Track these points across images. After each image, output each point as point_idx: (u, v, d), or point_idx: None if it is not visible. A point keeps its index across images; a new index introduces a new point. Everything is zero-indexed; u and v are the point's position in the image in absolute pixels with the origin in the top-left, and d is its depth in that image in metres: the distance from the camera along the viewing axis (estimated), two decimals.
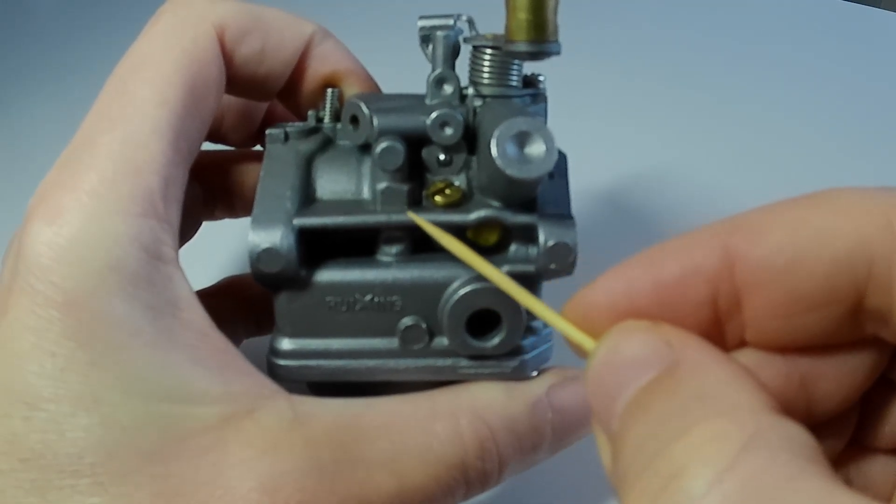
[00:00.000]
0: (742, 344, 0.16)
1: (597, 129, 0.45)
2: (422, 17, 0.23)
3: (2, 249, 0.20)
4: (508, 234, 0.22)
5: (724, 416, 0.13)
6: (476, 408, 0.21)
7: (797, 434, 0.12)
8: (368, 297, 0.22)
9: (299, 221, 0.21)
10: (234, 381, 0.19)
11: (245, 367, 0.20)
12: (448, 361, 0.22)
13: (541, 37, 0.20)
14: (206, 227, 0.29)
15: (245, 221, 0.29)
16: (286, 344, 0.22)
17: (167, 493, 0.17)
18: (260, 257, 0.21)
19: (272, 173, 0.22)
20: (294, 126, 0.23)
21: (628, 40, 0.57)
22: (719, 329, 0.16)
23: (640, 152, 0.44)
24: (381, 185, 0.22)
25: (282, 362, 0.22)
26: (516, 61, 0.23)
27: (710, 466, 0.12)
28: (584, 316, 0.17)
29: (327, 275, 0.22)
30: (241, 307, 0.28)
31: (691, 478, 0.12)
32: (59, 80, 0.51)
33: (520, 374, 0.22)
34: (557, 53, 0.21)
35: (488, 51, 0.23)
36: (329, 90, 0.24)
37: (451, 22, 0.23)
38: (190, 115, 0.21)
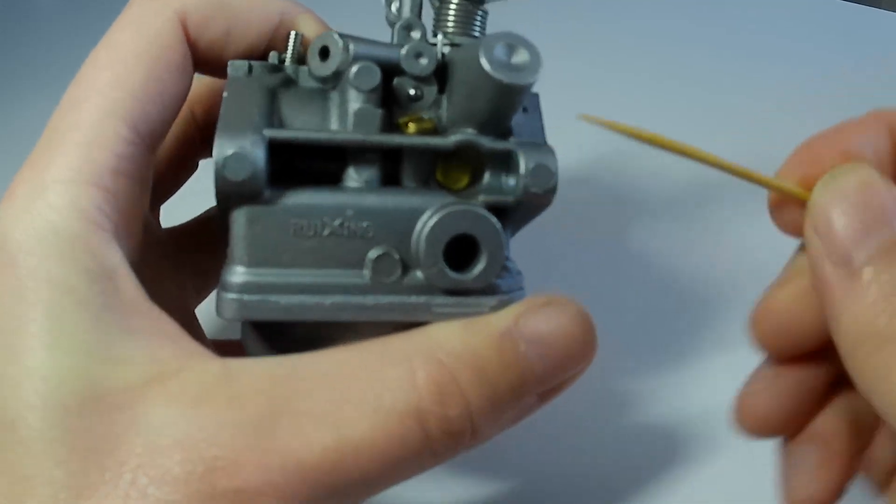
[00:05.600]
0: None
1: (592, 127, 0.45)
2: None
3: None
4: (478, 175, 0.22)
5: None
6: (431, 347, 0.19)
7: None
8: (338, 222, 0.21)
9: (270, 132, 0.20)
10: (164, 344, 0.19)
11: (176, 333, 0.20)
12: (422, 299, 0.21)
13: None
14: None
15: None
16: (241, 275, 0.20)
17: (85, 449, 0.17)
18: (227, 163, 0.19)
19: (237, 95, 0.21)
20: (258, 62, 0.23)
21: (627, 38, 0.57)
22: None
23: (637, 149, 0.44)
24: (356, 107, 0.21)
25: (233, 296, 0.20)
26: (480, 12, 0.23)
27: None
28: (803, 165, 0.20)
29: (294, 196, 0.20)
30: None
31: None
32: (61, 80, 0.51)
33: None
34: None
35: (454, 1, 0.23)
36: (293, 33, 0.23)
37: None
38: (150, 98, 0.21)
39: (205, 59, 0.24)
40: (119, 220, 0.20)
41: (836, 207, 0.18)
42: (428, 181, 0.22)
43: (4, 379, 0.18)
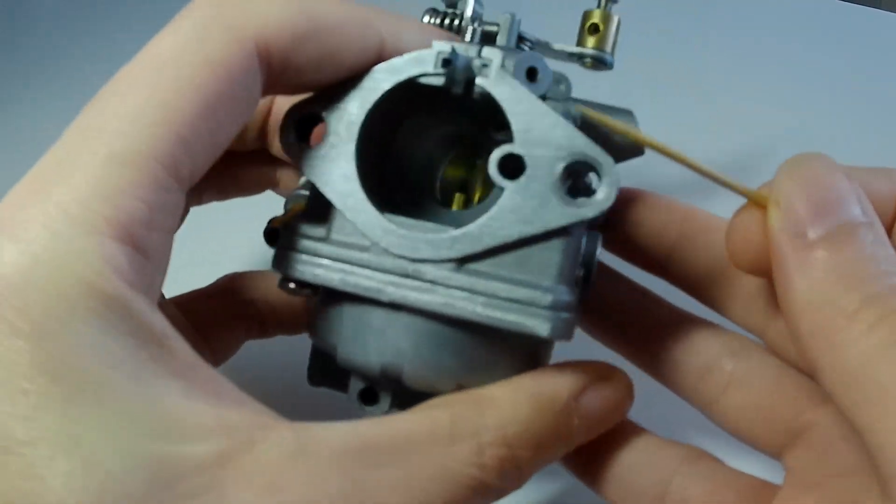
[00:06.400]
0: None
1: None
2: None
3: None
4: None
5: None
6: (502, 427, 0.20)
7: None
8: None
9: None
10: (230, 412, 0.17)
11: (240, 396, 0.18)
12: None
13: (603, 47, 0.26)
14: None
15: (235, 206, 0.28)
16: (568, 294, 0.21)
17: None
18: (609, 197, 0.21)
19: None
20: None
21: (627, 37, 0.56)
22: None
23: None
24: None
25: (568, 316, 0.21)
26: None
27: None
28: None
29: None
30: (242, 308, 0.27)
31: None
32: (60, 80, 0.51)
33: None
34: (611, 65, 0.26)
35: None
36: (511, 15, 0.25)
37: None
38: (200, 138, 0.18)
39: (290, 84, 0.21)
40: (147, 281, 0.18)
41: (797, 186, 0.19)
42: None
43: (61, 475, 0.15)
